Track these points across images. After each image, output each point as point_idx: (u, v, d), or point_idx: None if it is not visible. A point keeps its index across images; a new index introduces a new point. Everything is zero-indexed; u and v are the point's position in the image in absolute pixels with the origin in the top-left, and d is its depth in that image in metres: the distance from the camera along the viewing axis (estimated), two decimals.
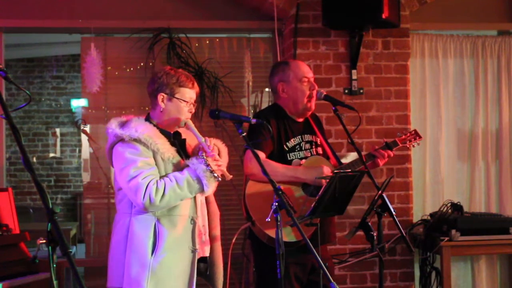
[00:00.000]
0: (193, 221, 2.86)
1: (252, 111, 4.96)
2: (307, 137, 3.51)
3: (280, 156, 3.39)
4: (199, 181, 2.77)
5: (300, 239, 3.16)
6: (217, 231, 3.04)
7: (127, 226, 2.81)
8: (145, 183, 2.71)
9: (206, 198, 2.99)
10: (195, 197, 2.87)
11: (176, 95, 2.87)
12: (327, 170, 3.32)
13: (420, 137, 3.70)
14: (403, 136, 3.65)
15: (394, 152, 3.57)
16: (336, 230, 3.64)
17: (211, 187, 2.79)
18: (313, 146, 3.51)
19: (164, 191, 2.72)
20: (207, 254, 2.97)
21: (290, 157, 3.42)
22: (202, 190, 2.80)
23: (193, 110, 2.94)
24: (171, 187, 2.74)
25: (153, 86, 2.90)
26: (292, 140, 3.45)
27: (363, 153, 3.51)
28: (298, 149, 3.45)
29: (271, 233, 3.16)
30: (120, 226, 2.86)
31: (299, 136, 3.48)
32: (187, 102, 2.88)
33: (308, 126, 3.55)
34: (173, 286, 2.79)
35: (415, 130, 3.72)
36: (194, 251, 2.84)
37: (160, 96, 2.87)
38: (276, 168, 3.27)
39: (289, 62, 3.57)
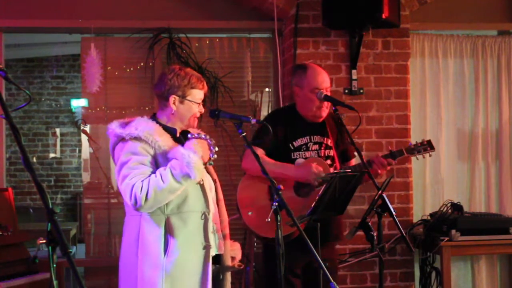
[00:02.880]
0: (205, 216, 2.81)
1: (252, 111, 4.95)
2: (316, 138, 3.51)
3: (285, 154, 3.43)
4: (182, 163, 2.63)
5: (288, 233, 3.18)
6: (226, 230, 2.99)
7: (138, 227, 2.75)
8: (132, 184, 2.64)
9: (217, 195, 2.94)
10: (205, 192, 2.81)
11: (188, 97, 2.83)
12: (316, 169, 3.32)
13: (432, 148, 3.50)
14: (412, 146, 3.50)
15: (395, 162, 3.47)
16: (341, 230, 3.62)
17: (196, 168, 2.63)
18: (322, 148, 3.51)
19: (148, 190, 2.62)
20: (222, 250, 2.92)
21: (294, 156, 3.45)
22: (188, 175, 2.64)
23: (203, 110, 2.92)
24: (155, 184, 2.62)
25: (164, 88, 2.83)
26: (299, 140, 3.48)
27: (363, 153, 3.50)
28: (304, 149, 3.47)
29: (253, 226, 3.29)
30: (130, 228, 2.79)
31: (308, 137, 3.49)
32: (199, 104, 2.87)
33: (321, 128, 3.53)
34: (188, 285, 2.74)
35: (428, 141, 3.53)
36: (206, 246, 2.78)
37: (172, 98, 2.81)
38: (266, 164, 3.28)
39: (307, 69, 3.51)
